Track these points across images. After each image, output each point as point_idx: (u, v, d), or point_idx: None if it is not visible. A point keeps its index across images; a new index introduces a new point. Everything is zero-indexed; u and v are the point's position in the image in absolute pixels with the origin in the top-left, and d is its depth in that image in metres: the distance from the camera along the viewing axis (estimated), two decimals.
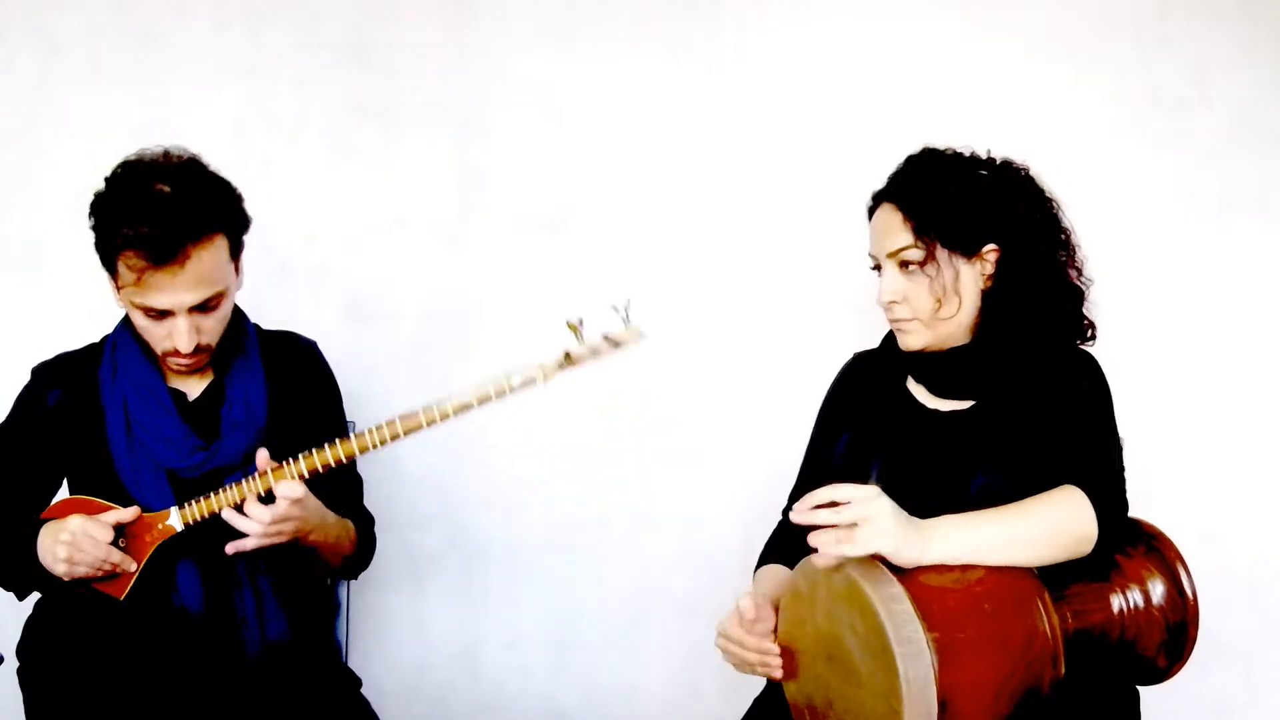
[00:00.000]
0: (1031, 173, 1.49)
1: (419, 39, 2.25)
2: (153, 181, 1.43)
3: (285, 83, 2.22)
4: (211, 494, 1.46)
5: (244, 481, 1.44)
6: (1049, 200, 1.48)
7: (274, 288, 2.19)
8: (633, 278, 2.25)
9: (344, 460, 1.44)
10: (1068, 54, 2.22)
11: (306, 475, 1.44)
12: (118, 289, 1.48)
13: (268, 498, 1.43)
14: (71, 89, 2.19)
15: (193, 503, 1.47)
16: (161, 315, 1.45)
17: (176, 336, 1.46)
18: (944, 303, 1.43)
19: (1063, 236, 1.48)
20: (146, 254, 1.39)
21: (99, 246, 1.46)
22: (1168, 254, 2.20)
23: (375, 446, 1.43)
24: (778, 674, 1.36)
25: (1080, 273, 1.48)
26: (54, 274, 2.16)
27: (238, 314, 1.61)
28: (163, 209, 1.40)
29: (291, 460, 1.43)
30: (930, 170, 1.47)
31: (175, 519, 1.49)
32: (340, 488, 1.61)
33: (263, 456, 1.44)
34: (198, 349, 1.48)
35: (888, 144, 2.16)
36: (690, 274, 2.25)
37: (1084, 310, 1.48)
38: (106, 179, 1.47)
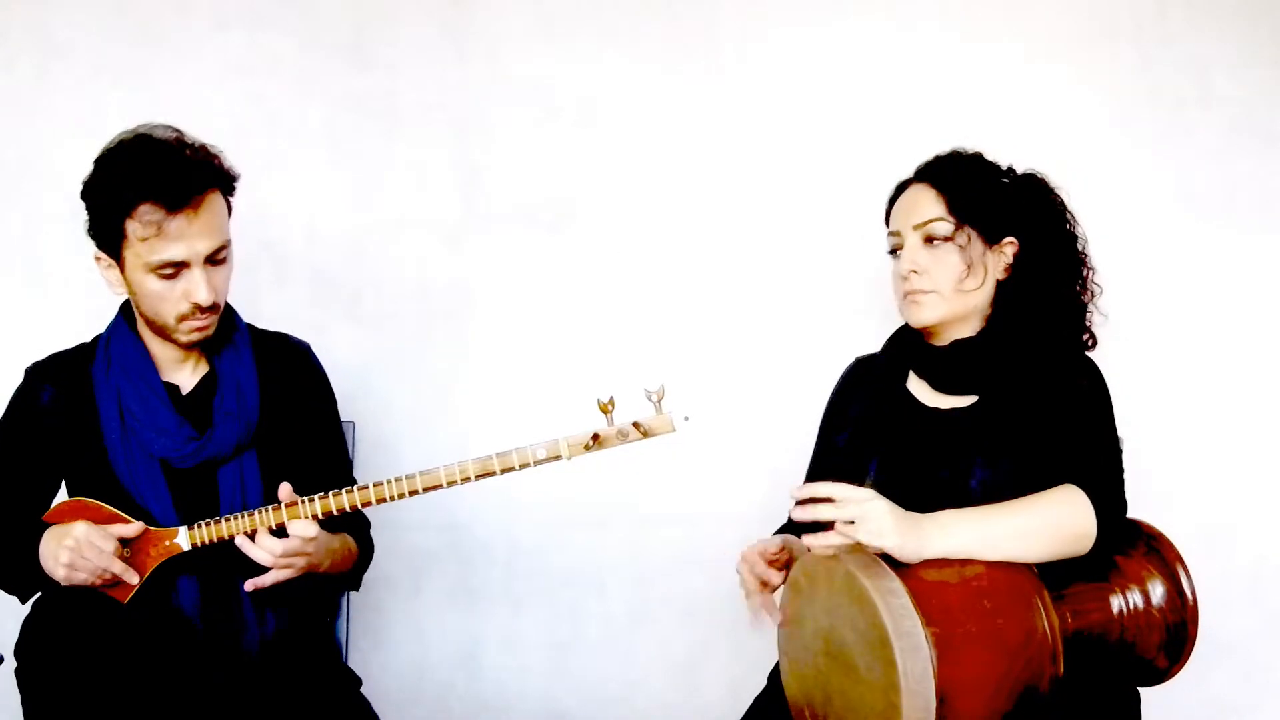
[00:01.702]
0: (1052, 184, 1.55)
1: (419, 39, 2.25)
2: (151, 142, 1.49)
3: (285, 83, 2.23)
4: (222, 520, 1.48)
5: (257, 513, 1.46)
6: (1067, 212, 1.54)
7: (274, 287, 2.20)
8: (632, 277, 2.25)
9: (359, 507, 1.47)
10: (1068, 54, 2.22)
11: (320, 516, 1.46)
12: (121, 267, 1.50)
13: (278, 531, 1.46)
14: (71, 89, 2.19)
15: (202, 525, 1.49)
16: (176, 272, 1.47)
17: (195, 288, 1.48)
18: (971, 272, 1.47)
19: (1078, 249, 1.54)
20: (163, 201, 1.43)
21: (103, 218, 1.48)
22: (1168, 254, 2.20)
23: (393, 499, 1.46)
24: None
25: (1086, 286, 1.53)
26: (54, 274, 2.16)
27: (228, 309, 1.62)
28: (173, 157, 1.47)
29: (307, 500, 1.46)
30: (962, 159, 1.56)
31: (183, 538, 1.49)
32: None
33: (285, 489, 1.46)
34: (212, 306, 1.51)
35: (888, 144, 2.19)
36: (689, 274, 2.25)
37: (1087, 323, 1.53)
38: (97, 160, 1.50)
